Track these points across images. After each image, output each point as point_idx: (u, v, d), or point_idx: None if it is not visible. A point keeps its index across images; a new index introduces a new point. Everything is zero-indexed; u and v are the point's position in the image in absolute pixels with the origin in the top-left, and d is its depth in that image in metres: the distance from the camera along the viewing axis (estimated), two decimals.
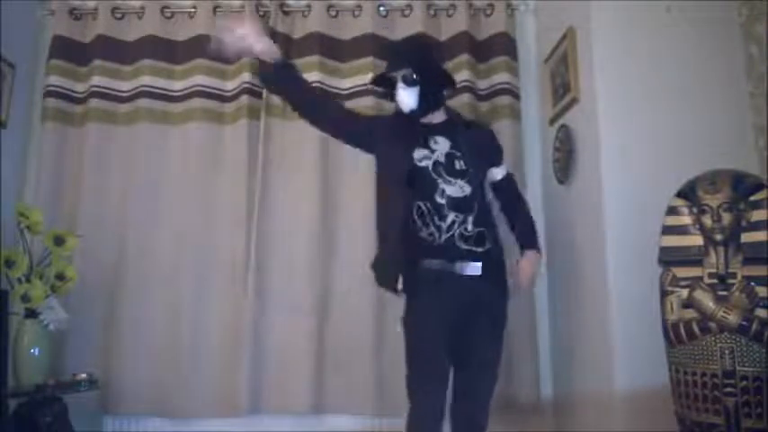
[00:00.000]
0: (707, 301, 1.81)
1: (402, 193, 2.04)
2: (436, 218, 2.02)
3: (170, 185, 2.96)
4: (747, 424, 1.71)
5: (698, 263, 1.86)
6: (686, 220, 1.90)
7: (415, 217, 2.03)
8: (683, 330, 1.83)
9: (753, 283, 1.78)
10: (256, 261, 2.85)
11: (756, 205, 1.82)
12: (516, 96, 3.04)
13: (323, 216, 2.90)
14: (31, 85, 3.08)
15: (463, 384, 2.05)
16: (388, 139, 2.14)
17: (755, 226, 1.81)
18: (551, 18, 2.92)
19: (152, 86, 3.02)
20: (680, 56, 2.39)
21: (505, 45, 3.05)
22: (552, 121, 2.87)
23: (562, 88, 2.72)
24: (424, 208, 2.03)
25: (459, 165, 2.07)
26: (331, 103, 2.53)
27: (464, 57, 3.00)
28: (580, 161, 2.58)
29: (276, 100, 2.98)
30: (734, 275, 1.81)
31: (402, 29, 3.07)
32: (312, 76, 2.98)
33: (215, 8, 3.08)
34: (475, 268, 2.02)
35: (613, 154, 2.35)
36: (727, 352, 1.76)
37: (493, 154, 2.24)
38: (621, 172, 2.33)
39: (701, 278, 1.85)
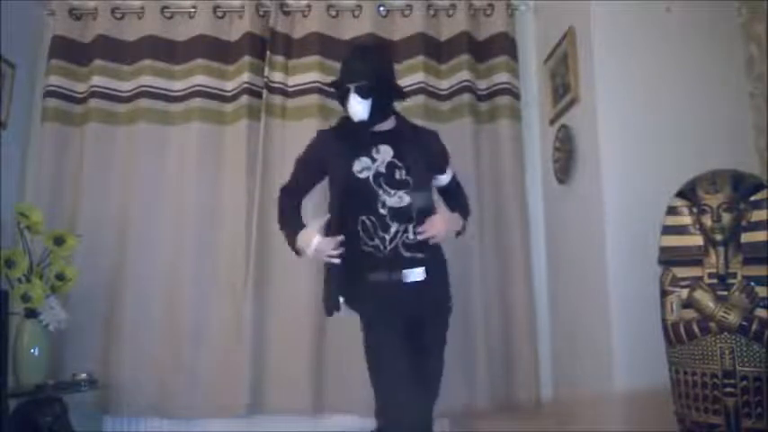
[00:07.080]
0: (707, 301, 1.81)
1: (345, 207, 2.08)
2: (380, 230, 2.05)
3: (170, 185, 2.96)
4: (747, 424, 1.71)
5: (698, 263, 1.86)
6: (686, 220, 1.91)
7: (360, 232, 2.06)
8: (683, 330, 1.83)
9: (753, 283, 1.78)
10: (256, 261, 2.85)
11: (756, 205, 1.82)
12: (516, 96, 3.04)
13: (322, 215, 2.88)
14: (31, 85, 3.08)
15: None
16: (333, 152, 2.13)
17: (755, 226, 1.81)
18: (551, 18, 2.91)
19: (152, 86, 3.02)
20: (680, 56, 2.39)
21: (505, 45, 3.05)
22: (552, 121, 2.87)
23: (562, 88, 2.72)
24: (368, 222, 2.06)
25: (399, 175, 2.07)
26: (297, 209, 2.31)
27: (464, 57, 3.01)
28: (580, 161, 2.58)
29: (276, 100, 2.99)
30: (734, 275, 1.81)
31: (402, 29, 3.08)
32: (312, 77, 2.99)
33: (215, 8, 3.08)
34: (419, 274, 2.06)
35: (613, 154, 2.35)
36: (727, 352, 1.76)
37: (437, 160, 2.21)
38: (621, 172, 2.33)
39: (700, 278, 1.85)
